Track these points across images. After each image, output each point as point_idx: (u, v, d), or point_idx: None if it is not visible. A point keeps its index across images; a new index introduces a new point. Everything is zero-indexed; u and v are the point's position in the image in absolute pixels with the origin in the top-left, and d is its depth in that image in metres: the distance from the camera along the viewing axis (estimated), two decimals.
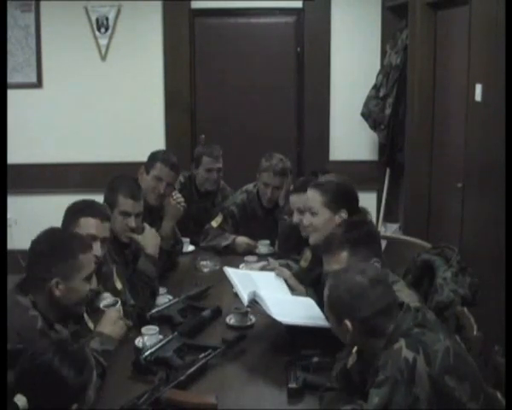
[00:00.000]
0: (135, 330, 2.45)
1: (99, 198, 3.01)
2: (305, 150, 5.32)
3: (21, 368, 1.67)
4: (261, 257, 3.38)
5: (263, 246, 3.54)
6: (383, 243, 2.85)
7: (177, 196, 3.32)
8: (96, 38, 5.13)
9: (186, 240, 3.60)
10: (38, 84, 5.17)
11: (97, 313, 2.34)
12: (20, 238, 4.75)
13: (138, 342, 2.37)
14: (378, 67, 5.05)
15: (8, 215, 4.49)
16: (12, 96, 4.53)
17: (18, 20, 5.07)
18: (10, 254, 3.41)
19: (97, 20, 5.11)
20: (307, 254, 2.96)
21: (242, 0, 5.21)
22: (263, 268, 3.02)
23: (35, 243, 2.14)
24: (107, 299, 2.41)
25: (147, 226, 2.97)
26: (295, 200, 3.08)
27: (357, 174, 3.91)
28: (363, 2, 5.12)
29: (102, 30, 5.12)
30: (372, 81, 4.96)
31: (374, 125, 4.98)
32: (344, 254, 2.22)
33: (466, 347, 2.05)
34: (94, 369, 1.77)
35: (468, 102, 3.50)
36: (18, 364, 1.68)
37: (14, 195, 4.89)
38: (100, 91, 5.19)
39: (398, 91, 4.77)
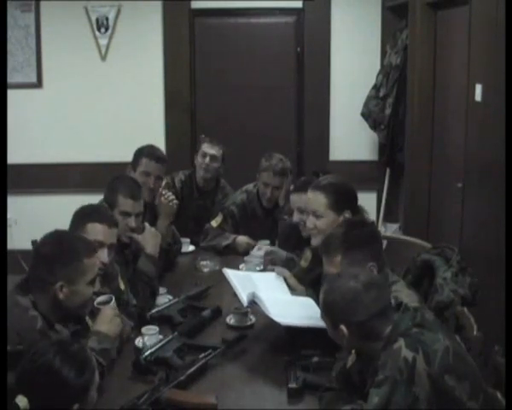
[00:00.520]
0: (135, 330, 2.45)
1: (99, 198, 3.02)
2: (305, 150, 5.32)
3: (22, 369, 1.67)
4: (261, 257, 3.39)
5: (263, 246, 3.54)
6: (383, 243, 2.85)
7: (168, 195, 3.33)
8: (96, 38, 5.13)
9: (186, 240, 3.60)
10: (38, 84, 5.17)
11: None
12: (20, 238, 4.76)
13: (138, 342, 2.37)
14: (378, 67, 5.05)
15: (8, 215, 4.49)
16: (12, 96, 4.53)
17: (18, 20, 5.08)
18: (10, 254, 3.42)
19: (97, 20, 5.11)
20: (307, 254, 2.96)
21: (242, 0, 5.21)
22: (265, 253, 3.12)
23: (40, 245, 2.13)
24: (100, 296, 2.39)
25: (147, 226, 2.97)
26: (296, 199, 3.09)
27: (357, 174, 3.92)
28: (363, 2, 5.12)
29: (102, 30, 5.12)
30: (372, 81, 4.96)
31: (374, 125, 4.98)
32: (338, 258, 2.21)
33: (466, 347, 2.05)
34: (96, 369, 1.77)
35: (468, 102, 3.49)
36: (19, 365, 1.68)
37: (14, 195, 4.89)
38: (100, 91, 5.19)
39: (398, 91, 4.77)
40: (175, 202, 3.32)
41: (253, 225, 3.67)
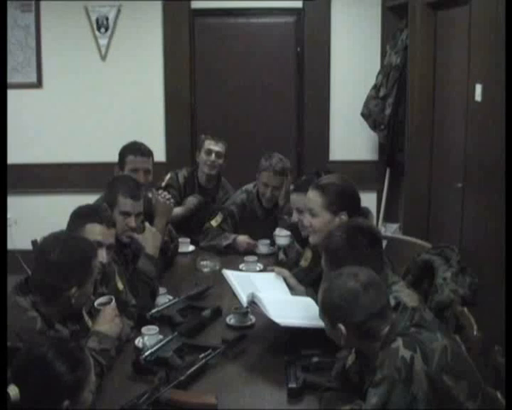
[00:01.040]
0: (135, 329, 2.45)
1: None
2: (305, 150, 5.32)
3: (17, 360, 1.68)
4: (261, 257, 3.40)
5: (263, 246, 3.55)
6: (383, 243, 2.84)
7: (164, 194, 3.33)
8: (95, 37, 5.13)
9: (186, 240, 3.60)
10: (38, 84, 5.17)
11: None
12: (20, 238, 4.76)
13: (138, 342, 2.37)
14: (378, 67, 5.04)
15: (8, 215, 4.49)
16: (12, 96, 4.54)
17: (18, 20, 5.08)
18: (10, 254, 3.43)
19: (97, 20, 5.11)
20: (307, 253, 2.96)
21: (242, 0, 5.21)
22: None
23: (48, 251, 2.09)
24: (101, 297, 2.39)
25: (147, 226, 2.97)
26: (295, 199, 3.08)
27: (357, 174, 3.90)
28: (363, 2, 5.12)
29: (102, 30, 5.12)
30: (372, 81, 4.96)
31: (374, 126, 4.98)
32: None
33: (466, 347, 2.05)
34: (91, 371, 1.76)
35: (468, 102, 3.50)
36: (15, 358, 1.69)
37: (14, 195, 4.89)
38: (100, 91, 5.19)
39: (398, 91, 4.77)
40: (172, 200, 3.33)
41: (253, 225, 3.67)
